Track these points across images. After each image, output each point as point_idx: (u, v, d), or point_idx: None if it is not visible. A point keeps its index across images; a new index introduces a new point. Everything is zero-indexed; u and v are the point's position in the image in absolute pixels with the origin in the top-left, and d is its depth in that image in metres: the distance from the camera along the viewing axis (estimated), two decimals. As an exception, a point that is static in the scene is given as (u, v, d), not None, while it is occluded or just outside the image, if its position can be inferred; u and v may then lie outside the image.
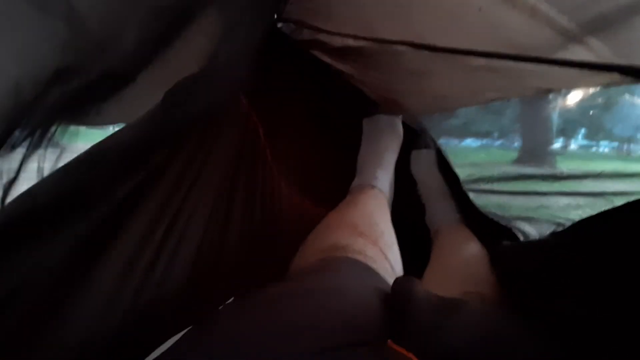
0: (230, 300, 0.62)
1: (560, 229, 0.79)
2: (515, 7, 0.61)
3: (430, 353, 0.41)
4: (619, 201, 0.60)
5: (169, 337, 0.56)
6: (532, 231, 0.90)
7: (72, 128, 0.47)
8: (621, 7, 0.56)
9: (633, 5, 0.55)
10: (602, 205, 0.75)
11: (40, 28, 0.32)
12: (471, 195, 0.97)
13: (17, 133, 0.39)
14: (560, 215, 0.85)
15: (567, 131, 0.99)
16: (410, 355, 0.40)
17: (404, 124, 1.09)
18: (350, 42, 0.87)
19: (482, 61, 0.75)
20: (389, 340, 0.43)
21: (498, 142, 1.04)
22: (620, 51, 0.62)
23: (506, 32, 0.67)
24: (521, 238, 0.88)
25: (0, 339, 0.43)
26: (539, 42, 0.65)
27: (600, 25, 0.60)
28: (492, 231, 0.91)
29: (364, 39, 0.80)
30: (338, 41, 0.90)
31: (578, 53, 0.64)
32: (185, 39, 0.47)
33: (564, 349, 0.46)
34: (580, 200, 0.86)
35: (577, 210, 0.84)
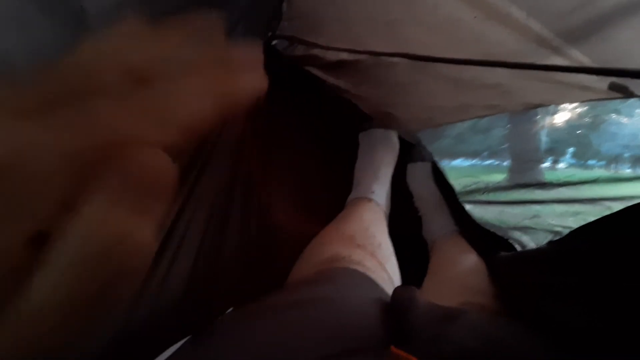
0: (229, 310, 0.62)
1: (557, 237, 0.79)
2: (500, 20, 0.62)
3: (433, 356, 0.40)
4: (617, 207, 0.60)
5: (166, 348, 0.55)
6: (529, 242, 0.90)
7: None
8: (598, 17, 0.57)
9: (607, 17, 0.57)
10: (600, 212, 0.76)
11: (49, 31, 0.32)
12: (467, 207, 0.97)
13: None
14: (557, 224, 0.85)
15: (555, 150, 0.99)
16: (414, 359, 0.40)
17: (399, 137, 1.10)
18: (345, 55, 0.88)
19: (471, 75, 0.76)
20: (391, 346, 0.42)
21: (487, 162, 1.04)
22: (601, 61, 0.64)
23: (493, 45, 0.68)
24: (518, 248, 0.88)
25: None
26: (524, 54, 0.67)
27: (579, 36, 0.61)
28: (488, 242, 0.91)
29: (359, 52, 0.81)
30: (332, 56, 0.91)
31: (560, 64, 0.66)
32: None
33: (564, 355, 0.45)
34: (577, 207, 0.86)
35: (574, 217, 0.85)
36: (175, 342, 0.54)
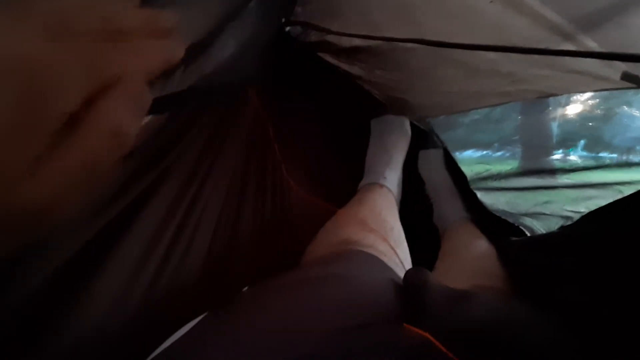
0: (245, 288, 0.63)
1: (568, 222, 0.79)
2: (514, 7, 0.62)
3: (445, 333, 0.41)
4: (628, 191, 0.60)
5: (184, 324, 0.57)
6: (540, 228, 0.90)
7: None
8: (611, 4, 0.57)
9: (621, 4, 0.56)
10: (611, 196, 0.76)
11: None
12: (479, 194, 0.97)
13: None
14: (568, 209, 0.85)
15: (566, 142, 0.98)
16: (426, 334, 0.41)
17: (411, 124, 1.10)
18: (359, 42, 0.88)
19: (485, 62, 0.77)
20: (404, 323, 0.43)
21: (499, 153, 1.04)
22: (613, 49, 0.64)
23: (507, 31, 0.68)
24: (529, 235, 0.89)
25: (19, 325, 0.43)
26: (538, 41, 0.67)
27: (592, 23, 0.61)
28: (500, 229, 0.92)
29: (373, 38, 0.81)
30: (346, 42, 0.92)
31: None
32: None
33: (575, 334, 0.46)
34: (589, 192, 0.86)
35: (586, 202, 0.85)
36: (193, 318, 0.55)
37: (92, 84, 0.21)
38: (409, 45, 0.78)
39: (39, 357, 0.44)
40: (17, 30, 0.19)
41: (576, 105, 0.98)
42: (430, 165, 1.10)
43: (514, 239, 0.82)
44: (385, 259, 0.72)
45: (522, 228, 0.90)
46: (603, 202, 0.60)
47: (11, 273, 0.41)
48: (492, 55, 0.72)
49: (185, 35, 0.49)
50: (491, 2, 0.62)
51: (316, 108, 1.09)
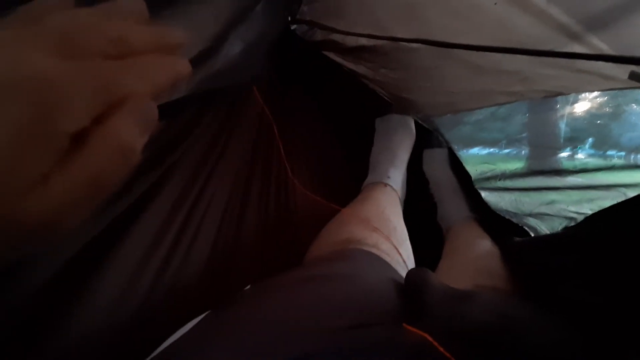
0: (248, 287, 0.63)
1: (572, 223, 0.79)
2: (520, 6, 0.62)
3: (445, 333, 0.41)
4: (632, 193, 0.60)
5: (186, 323, 0.57)
6: (544, 229, 0.90)
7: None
8: (619, 4, 0.57)
9: (629, 3, 0.56)
10: (615, 198, 0.76)
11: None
12: (483, 194, 0.97)
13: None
14: (573, 210, 0.85)
15: (574, 140, 0.98)
16: (425, 335, 0.41)
17: (416, 123, 1.10)
18: (364, 41, 0.88)
19: (491, 61, 0.76)
20: (404, 323, 0.43)
21: (506, 151, 1.03)
22: (621, 49, 0.63)
23: (513, 31, 0.68)
24: (532, 235, 0.89)
25: (24, 319, 0.44)
26: (544, 41, 0.66)
27: (600, 23, 0.60)
28: (504, 229, 0.91)
29: (378, 37, 0.81)
30: (352, 41, 0.92)
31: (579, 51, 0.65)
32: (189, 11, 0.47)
33: (579, 334, 0.46)
34: (593, 194, 0.86)
35: (590, 203, 0.84)
36: (195, 316, 0.56)
37: (101, 102, 0.22)
38: (414, 45, 0.78)
39: (41, 356, 0.45)
40: (28, 48, 0.20)
41: (584, 103, 0.97)
42: (435, 164, 1.10)
43: (517, 239, 0.82)
44: (388, 258, 0.72)
45: (526, 228, 0.90)
46: (607, 204, 0.60)
47: (14, 273, 0.41)
48: (497, 54, 0.72)
49: (193, 42, 0.50)
50: (495, 4, 0.62)
51: (321, 107, 1.09)
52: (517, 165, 0.99)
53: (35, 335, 0.45)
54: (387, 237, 0.80)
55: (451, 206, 1.05)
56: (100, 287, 0.51)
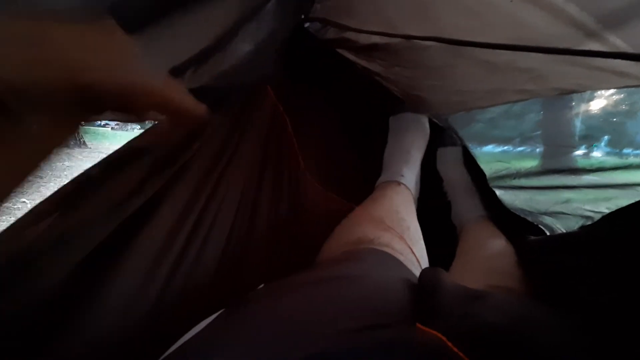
0: (260, 287, 0.64)
1: (588, 222, 0.78)
2: (536, 3, 0.61)
3: (458, 333, 0.41)
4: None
5: (200, 321, 0.58)
6: (560, 227, 0.89)
7: (101, 130, 0.49)
8: (636, 1, 0.56)
9: None
10: (632, 197, 0.75)
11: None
12: (498, 192, 0.96)
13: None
14: (589, 209, 0.84)
15: (590, 138, 0.96)
16: (440, 335, 0.41)
17: (430, 121, 1.10)
18: (377, 39, 0.88)
19: (505, 59, 0.76)
20: (417, 323, 0.43)
21: (520, 149, 1.02)
22: (639, 47, 0.62)
23: (528, 29, 0.67)
24: (548, 234, 0.87)
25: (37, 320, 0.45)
26: (560, 39, 0.65)
27: (618, 20, 0.59)
28: (518, 228, 0.91)
29: (392, 35, 0.81)
30: (365, 39, 0.91)
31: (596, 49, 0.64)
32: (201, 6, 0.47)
33: (592, 335, 0.45)
34: (610, 193, 0.85)
35: (606, 202, 0.83)
36: (209, 315, 0.56)
37: None
38: (427, 43, 0.77)
39: (56, 353, 0.45)
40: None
41: (600, 101, 0.96)
42: (449, 163, 1.10)
43: (533, 237, 0.81)
44: (402, 258, 0.72)
45: (542, 227, 0.89)
46: (624, 203, 0.59)
47: (28, 271, 0.42)
48: (511, 52, 0.71)
49: (200, 37, 0.50)
50: (511, 1, 0.61)
51: (334, 105, 1.09)
52: (531, 164, 0.98)
53: (50, 335, 0.45)
54: (401, 236, 0.79)
55: (465, 205, 1.04)
56: (114, 287, 0.52)
